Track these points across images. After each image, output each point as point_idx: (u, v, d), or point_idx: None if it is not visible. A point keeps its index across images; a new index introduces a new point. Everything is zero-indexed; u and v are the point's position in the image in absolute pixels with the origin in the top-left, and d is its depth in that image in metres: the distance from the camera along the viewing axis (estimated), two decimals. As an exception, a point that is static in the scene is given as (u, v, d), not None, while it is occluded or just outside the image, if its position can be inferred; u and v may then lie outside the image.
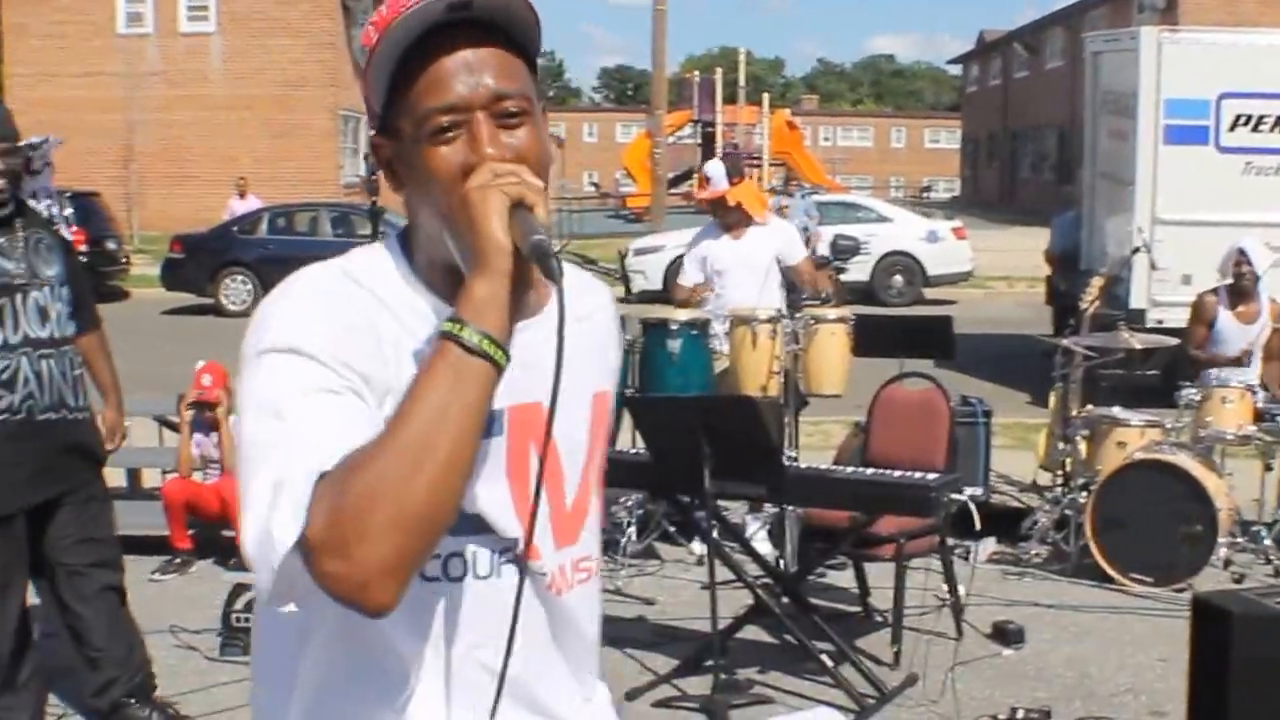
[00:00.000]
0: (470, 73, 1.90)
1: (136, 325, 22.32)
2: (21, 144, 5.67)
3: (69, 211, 26.66)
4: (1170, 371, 13.71)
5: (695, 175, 52.33)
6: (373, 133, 2.04)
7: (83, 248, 26.41)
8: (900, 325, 9.95)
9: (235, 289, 26.06)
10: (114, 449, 6.12)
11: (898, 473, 6.65)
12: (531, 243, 1.79)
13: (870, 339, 8.91)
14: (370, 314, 1.93)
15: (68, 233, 5.97)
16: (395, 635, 1.98)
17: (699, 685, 6.57)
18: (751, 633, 7.18)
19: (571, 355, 1.84)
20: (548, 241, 1.80)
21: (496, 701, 1.96)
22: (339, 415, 1.81)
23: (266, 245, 26.28)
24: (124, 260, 29.11)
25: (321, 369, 1.84)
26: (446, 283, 1.97)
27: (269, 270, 25.57)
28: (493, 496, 2.00)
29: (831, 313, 8.81)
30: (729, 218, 9.39)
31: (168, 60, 43.61)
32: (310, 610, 1.89)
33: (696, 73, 54.25)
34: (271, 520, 1.74)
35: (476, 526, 1.99)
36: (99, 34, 43.51)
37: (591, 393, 2.17)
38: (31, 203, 5.85)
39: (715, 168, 9.64)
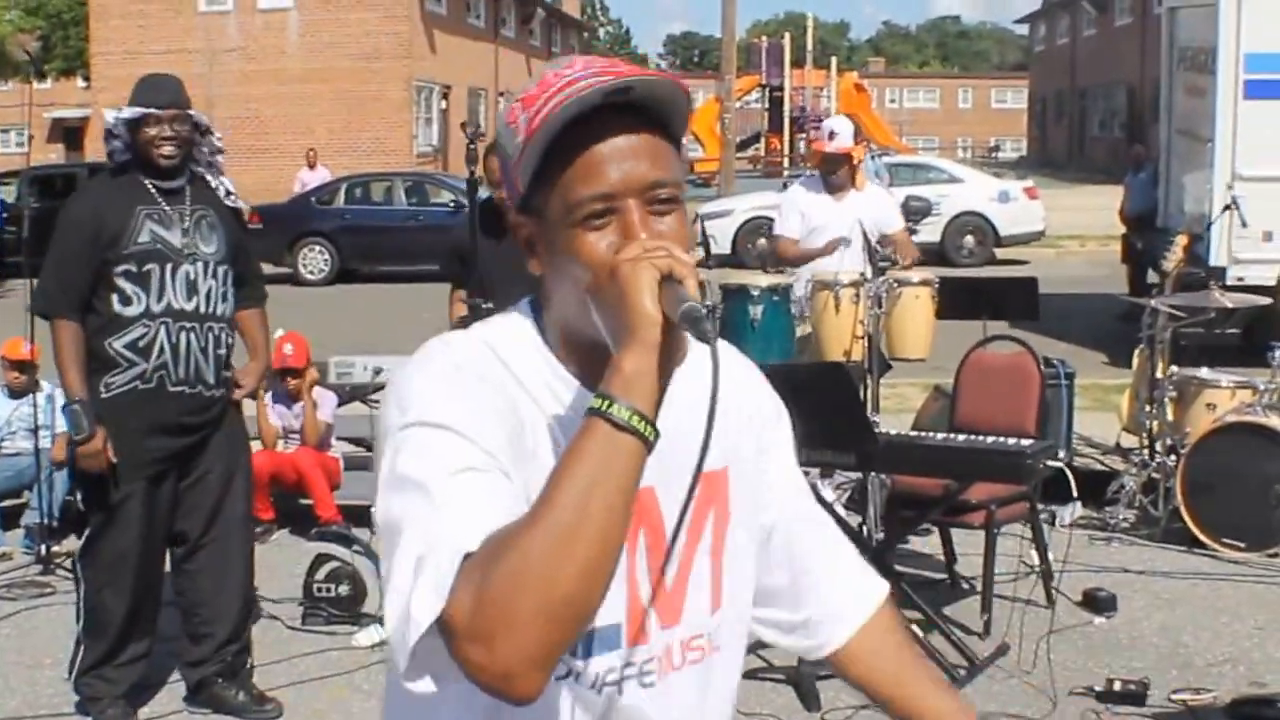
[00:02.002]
0: (625, 160, 1.83)
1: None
2: (193, 114, 5.64)
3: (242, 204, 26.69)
4: (1251, 330, 13.41)
5: (762, 138, 52.26)
6: (513, 211, 1.94)
7: (256, 225, 26.71)
8: (984, 287, 9.71)
9: (313, 258, 26.04)
10: (244, 391, 6.02)
11: (990, 439, 6.42)
12: (683, 310, 1.69)
13: (954, 301, 8.66)
14: (510, 393, 1.87)
15: (236, 202, 5.95)
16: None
17: (786, 656, 6.37)
18: (837, 601, 6.96)
19: (685, 435, 1.79)
20: (700, 308, 1.69)
21: None
22: (486, 495, 1.71)
23: (343, 215, 26.36)
24: (204, 233, 29.15)
25: (470, 446, 1.74)
26: (582, 361, 1.92)
27: (346, 239, 25.64)
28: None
29: (915, 275, 8.55)
30: (840, 177, 9.07)
31: (246, 36, 43.88)
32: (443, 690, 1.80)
33: (764, 37, 53.93)
34: (412, 599, 1.64)
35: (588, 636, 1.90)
36: (180, 13, 43.90)
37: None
38: (209, 178, 5.79)
39: (843, 124, 9.28)
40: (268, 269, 26.20)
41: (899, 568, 7.33)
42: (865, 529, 7.61)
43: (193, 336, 5.54)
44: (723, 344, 2.01)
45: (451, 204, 24.81)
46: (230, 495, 5.87)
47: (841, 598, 2.26)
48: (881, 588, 2.33)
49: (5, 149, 57.92)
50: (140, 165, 5.57)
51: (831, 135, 9.06)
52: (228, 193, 5.89)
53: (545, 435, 1.87)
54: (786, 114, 50.46)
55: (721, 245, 24.80)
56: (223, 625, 5.93)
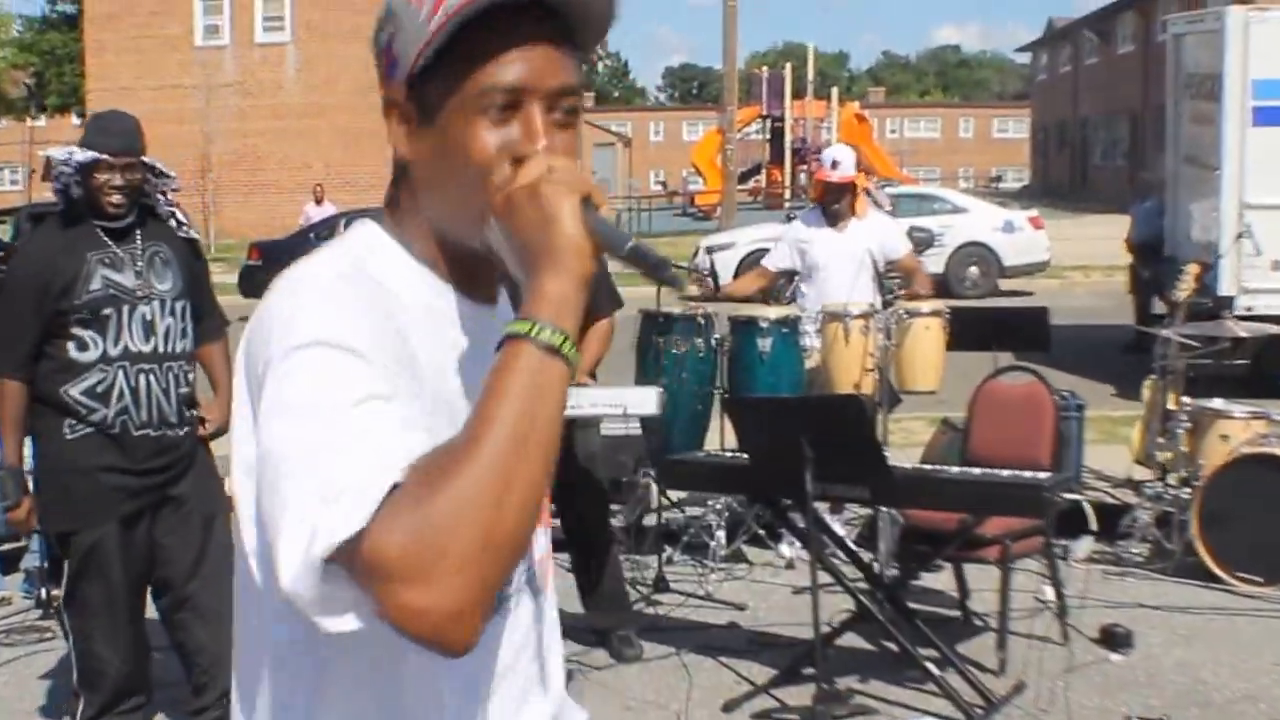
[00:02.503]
0: (539, 60, 1.77)
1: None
2: (147, 160, 5.55)
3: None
4: (1259, 359, 13.38)
5: (763, 169, 52.32)
6: (391, 84, 1.84)
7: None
8: (995, 318, 9.68)
9: (313, 294, 25.85)
10: (211, 428, 5.94)
11: (1006, 472, 6.37)
12: (631, 245, 1.70)
13: (965, 332, 8.62)
14: (389, 308, 1.76)
15: (190, 234, 5.87)
16: (433, 677, 1.82)
17: (798, 695, 6.32)
18: (848, 639, 6.92)
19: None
20: (647, 245, 1.71)
21: None
22: (398, 423, 1.59)
23: (343, 250, 26.20)
24: (203, 268, 29.13)
25: (369, 369, 1.62)
26: (452, 265, 1.88)
27: (345, 275, 25.54)
28: None
29: (925, 306, 8.51)
30: (841, 207, 9.04)
31: (243, 71, 44.00)
32: (332, 654, 1.76)
33: (764, 68, 54.03)
34: (320, 521, 1.50)
35: None
36: (176, 48, 44.01)
37: None
38: (161, 209, 5.72)
39: (845, 152, 9.28)
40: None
41: (912, 604, 7.28)
42: (876, 565, 7.57)
43: (152, 378, 5.43)
44: None
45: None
46: (213, 538, 5.78)
47: None
48: None
49: (0, 187, 58.06)
50: (88, 207, 5.46)
51: (834, 164, 9.04)
52: (179, 224, 5.81)
53: (430, 343, 1.81)
54: (788, 145, 50.53)
55: (725, 279, 24.76)
56: (224, 671, 5.86)
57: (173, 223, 5.76)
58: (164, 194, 5.73)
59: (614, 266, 2.10)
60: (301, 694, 1.82)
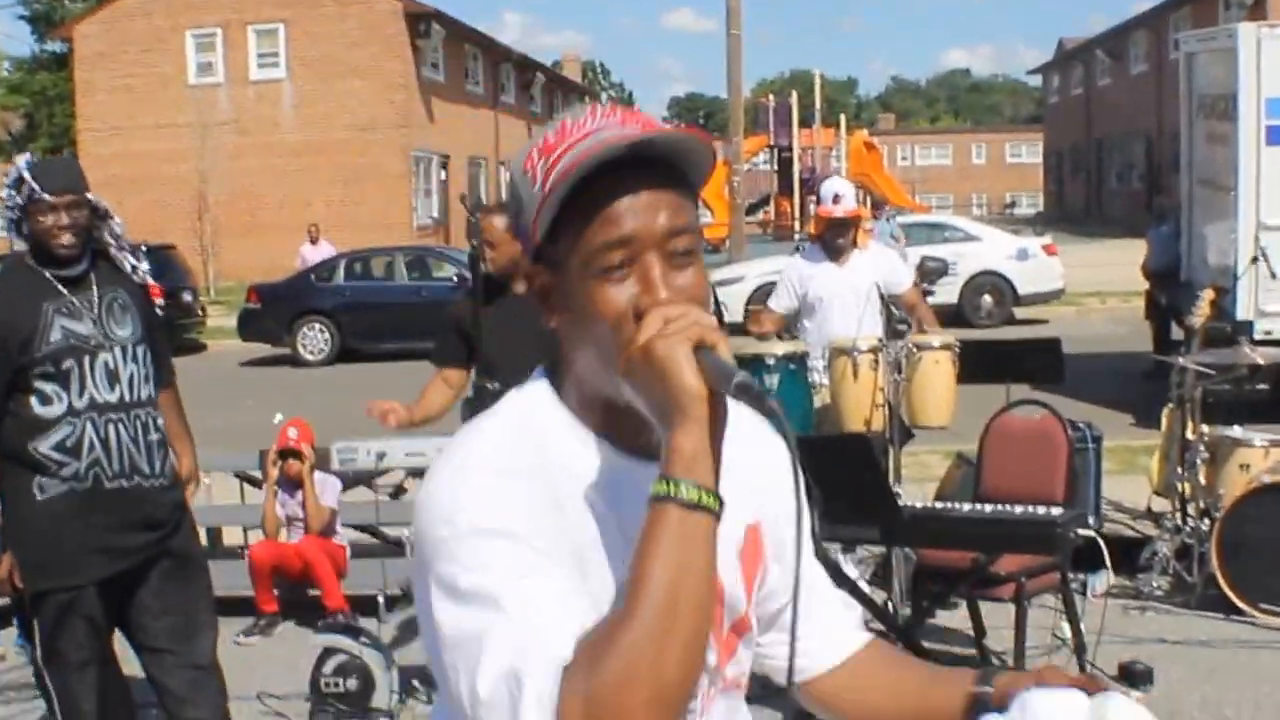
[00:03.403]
0: (644, 211, 1.86)
1: (214, 378, 22.37)
2: (91, 198, 5.52)
3: (145, 266, 26.77)
4: (1280, 385, 13.33)
5: (771, 200, 52.39)
6: (526, 259, 1.98)
7: (159, 301, 26.61)
8: (1007, 349, 9.63)
9: (313, 338, 25.99)
10: (193, 490, 5.96)
11: (1019, 509, 6.36)
12: (737, 382, 1.75)
13: (976, 365, 8.59)
14: (548, 475, 1.90)
15: (144, 278, 5.83)
16: None
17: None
18: (864, 681, 6.89)
19: (725, 489, 1.84)
20: (750, 378, 1.77)
21: None
22: (557, 597, 1.76)
23: (343, 292, 26.31)
24: (200, 312, 29.17)
25: (525, 549, 1.80)
26: (603, 418, 1.96)
27: (346, 317, 25.56)
28: None
29: (935, 339, 8.50)
30: (845, 241, 9.03)
31: (239, 108, 44.06)
32: None
33: (771, 97, 54.12)
34: (520, 715, 1.69)
35: None
36: (169, 85, 44.08)
37: (743, 524, 2.09)
38: (114, 253, 5.69)
39: (846, 186, 9.26)
40: (265, 350, 26.36)
41: (926, 644, 7.26)
42: (890, 604, 7.56)
43: (121, 428, 5.40)
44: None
45: (455, 278, 24.72)
46: (196, 597, 5.78)
47: (819, 635, 2.30)
48: (860, 632, 2.36)
49: (-7, 232, 58.11)
50: (37, 255, 5.40)
51: (836, 199, 9.01)
52: (133, 268, 5.78)
53: (583, 504, 1.90)
54: (796, 175, 50.59)
55: (734, 313, 24.76)
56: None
57: (127, 266, 5.73)
58: (117, 243, 5.71)
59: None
60: None
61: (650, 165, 1.87)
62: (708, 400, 1.76)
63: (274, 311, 25.92)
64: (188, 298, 28.23)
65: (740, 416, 2.12)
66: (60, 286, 5.38)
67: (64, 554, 5.37)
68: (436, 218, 46.19)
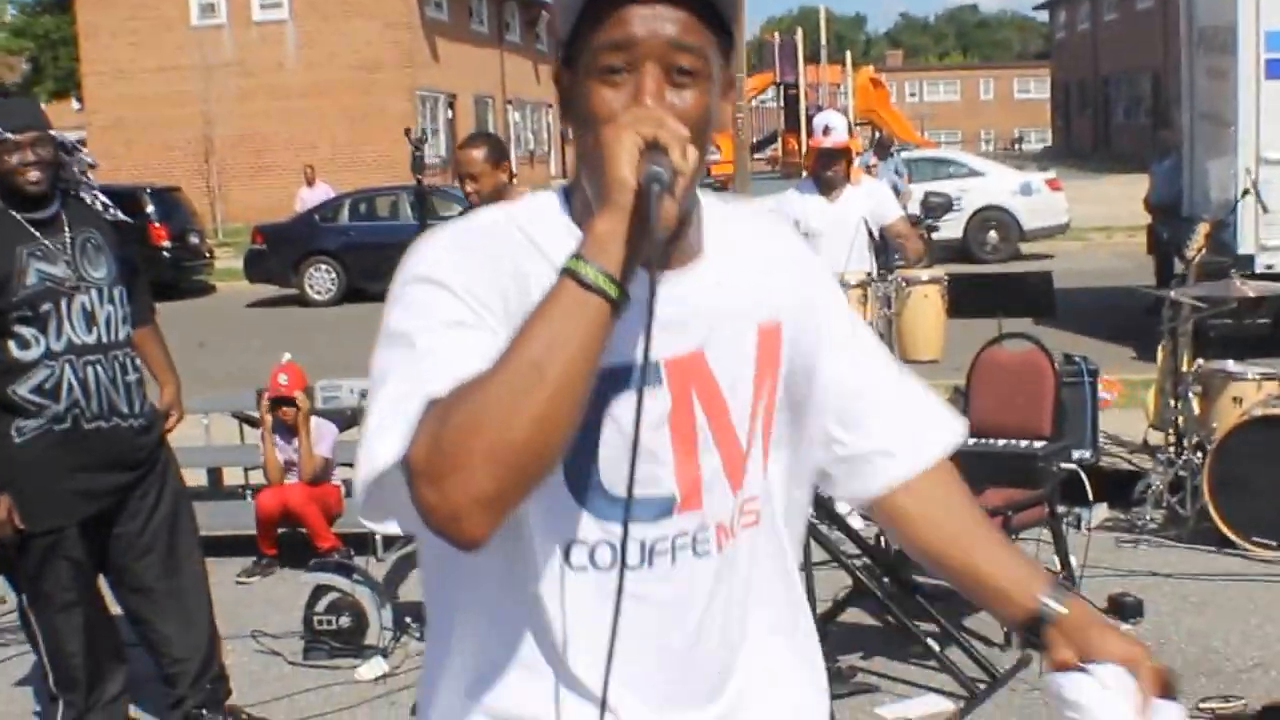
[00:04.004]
0: (653, 19, 1.89)
1: (223, 320, 22.40)
2: (54, 134, 5.47)
3: (150, 209, 26.91)
4: (1280, 319, 13.28)
5: (779, 137, 52.22)
6: (555, 64, 2.03)
7: (166, 243, 26.64)
8: (996, 283, 9.61)
9: (319, 278, 25.96)
10: (170, 429, 5.94)
11: (1001, 442, 6.35)
12: (645, 173, 1.76)
13: (965, 299, 8.58)
14: (520, 256, 1.95)
15: (116, 215, 5.80)
16: (548, 621, 1.98)
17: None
18: (853, 616, 6.91)
19: (731, 296, 2.01)
20: (663, 177, 1.76)
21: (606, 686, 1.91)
22: (469, 347, 1.81)
23: (348, 232, 26.24)
24: (208, 254, 29.14)
25: (458, 303, 1.87)
26: None
27: (352, 257, 25.50)
28: (655, 448, 1.97)
29: (924, 274, 8.47)
30: (835, 174, 8.97)
31: (242, 50, 43.88)
32: (462, 582, 2.01)
33: (776, 34, 53.84)
34: (375, 437, 1.78)
35: (630, 506, 1.86)
36: (171, 28, 43.88)
37: (755, 328, 2.08)
38: (84, 193, 5.67)
39: (837, 118, 9.19)
40: (273, 291, 26.36)
41: (918, 578, 7.27)
42: (883, 539, 7.55)
43: (99, 369, 5.39)
44: (723, 201, 2.16)
45: (460, 215, 24.65)
46: (179, 534, 5.77)
47: (895, 436, 2.22)
48: (949, 439, 2.29)
49: None
50: (6, 198, 5.35)
51: (826, 130, 8.97)
52: (105, 206, 5.75)
53: (548, 285, 1.90)
54: (803, 112, 50.31)
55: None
56: (194, 658, 5.86)
57: (98, 205, 5.70)
58: (85, 180, 5.68)
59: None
60: (447, 601, 2.09)
61: None
62: (637, 195, 1.77)
63: (280, 252, 25.86)
64: (194, 240, 28.22)
65: (750, 217, 2.21)
66: (33, 229, 5.35)
67: (44, 496, 5.36)
68: (444, 157, 46.04)
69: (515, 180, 7.75)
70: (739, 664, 2.11)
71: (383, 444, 1.76)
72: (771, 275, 2.12)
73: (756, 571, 2.11)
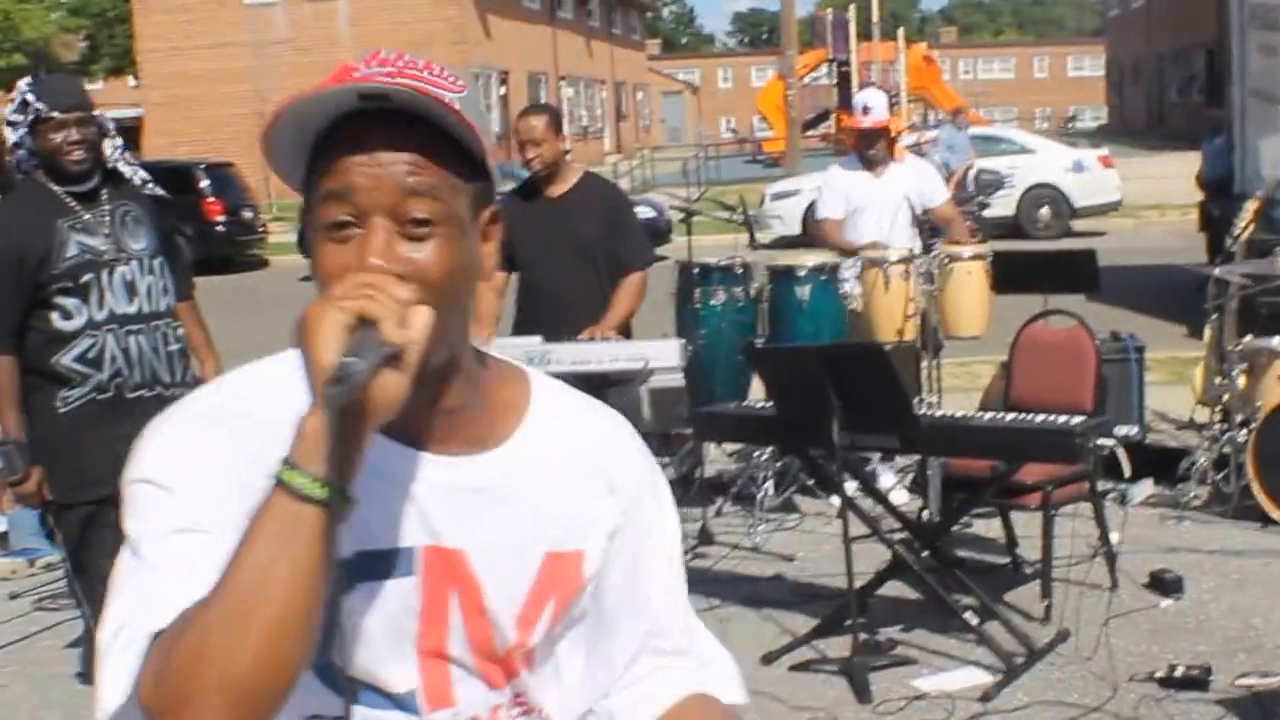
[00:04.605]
0: (378, 167, 1.67)
1: (276, 294, 22.47)
2: (95, 114, 5.55)
3: (205, 184, 27.09)
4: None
5: (832, 115, 52.05)
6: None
7: (220, 218, 26.83)
8: (1040, 260, 9.54)
9: (373, 252, 26.05)
10: None
11: (1039, 417, 6.32)
12: (335, 365, 1.52)
13: (1009, 275, 8.55)
14: (261, 438, 1.70)
15: (154, 190, 5.87)
16: None
17: (838, 646, 6.33)
18: (894, 589, 6.91)
19: (522, 501, 1.81)
20: (353, 368, 1.51)
21: None
22: (196, 557, 1.63)
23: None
24: (261, 229, 29.37)
25: (179, 504, 1.69)
26: None
27: (402, 232, 25.67)
28: (396, 642, 1.80)
29: (967, 250, 8.44)
30: (877, 152, 8.98)
31: (296, 27, 44.06)
32: None
33: (829, 11, 53.61)
34: (104, 673, 1.63)
35: (373, 698, 1.79)
36: (225, 5, 44.14)
37: (543, 550, 1.87)
38: (123, 168, 5.73)
39: (877, 97, 9.19)
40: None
41: (959, 553, 7.27)
42: (925, 513, 7.56)
43: (142, 339, 5.49)
44: (584, 399, 2.01)
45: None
46: None
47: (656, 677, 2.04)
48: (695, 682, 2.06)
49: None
50: (49, 173, 5.45)
51: (865, 110, 8.97)
52: (144, 181, 5.82)
53: None
54: (854, 89, 50.06)
55: (790, 225, 24.78)
56: None
57: (137, 180, 5.77)
58: (123, 158, 5.75)
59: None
60: None
61: (405, 122, 1.69)
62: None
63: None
64: (248, 215, 28.44)
65: (588, 422, 1.99)
66: (73, 203, 5.44)
67: (88, 466, 5.42)
68: (497, 133, 46.16)
69: (570, 155, 7.79)
70: None
71: (110, 683, 1.61)
72: (585, 493, 1.92)
73: None
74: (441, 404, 1.77)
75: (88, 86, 5.58)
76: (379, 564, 1.76)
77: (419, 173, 1.68)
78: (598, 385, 6.99)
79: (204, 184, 26.76)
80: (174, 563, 1.64)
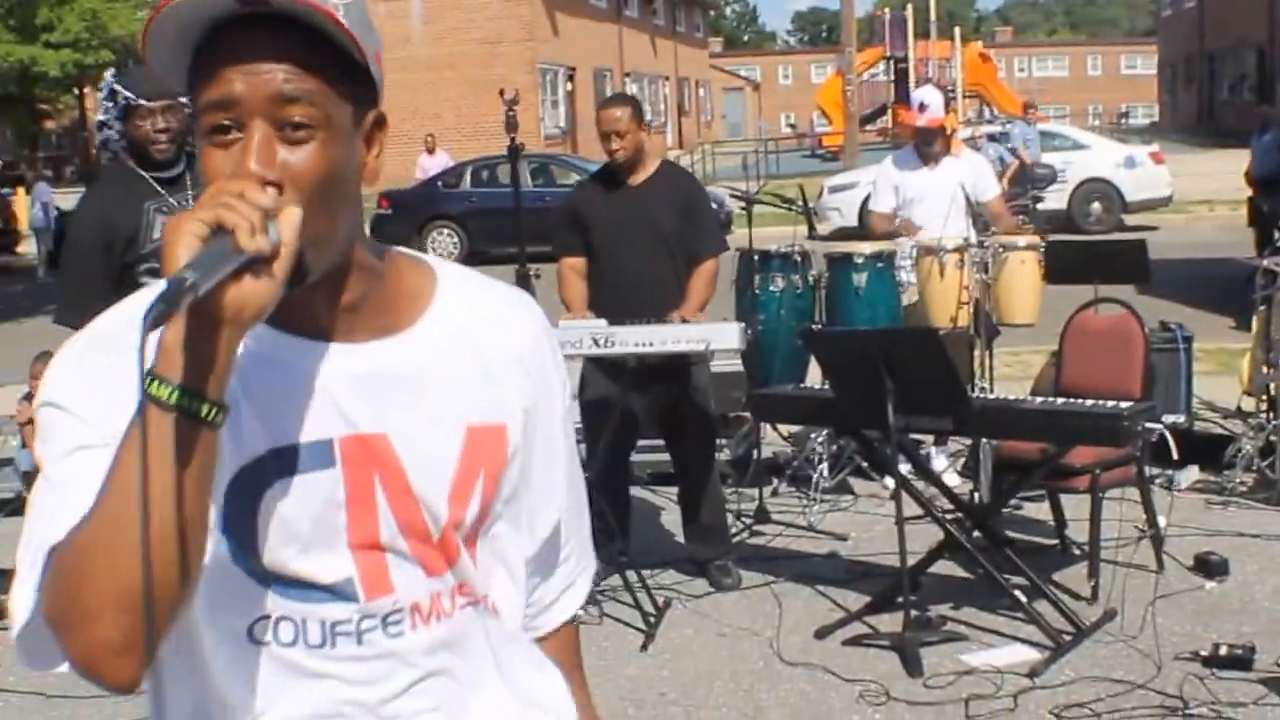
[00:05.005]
0: (255, 72, 1.63)
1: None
2: (184, 101, 5.62)
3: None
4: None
5: (889, 110, 51.90)
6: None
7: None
8: (1092, 250, 9.48)
9: (442, 241, 26.51)
10: None
11: (1089, 402, 6.30)
12: (174, 274, 1.48)
13: (1061, 266, 8.50)
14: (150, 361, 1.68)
15: None
16: (247, 702, 1.79)
17: (890, 622, 6.34)
18: (945, 568, 6.92)
19: (436, 380, 1.79)
20: (181, 284, 1.46)
21: None
22: (91, 475, 1.60)
23: (470, 198, 26.67)
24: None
25: (76, 423, 1.68)
26: None
27: (474, 222, 25.86)
28: (326, 535, 1.76)
29: (1021, 240, 8.41)
30: (934, 147, 9.00)
31: (371, 24, 44.22)
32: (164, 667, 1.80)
33: (887, 10, 53.43)
34: (16, 593, 1.64)
35: (307, 589, 1.77)
36: (303, 3, 44.28)
37: (464, 424, 1.85)
38: None
39: (933, 95, 9.17)
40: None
41: (1009, 533, 7.25)
42: (977, 495, 7.55)
43: None
44: (488, 281, 1.98)
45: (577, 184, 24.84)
46: None
47: (537, 598, 2.10)
48: (565, 609, 2.15)
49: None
50: (136, 158, 5.53)
51: (922, 108, 8.96)
52: None
53: None
54: (912, 85, 49.91)
55: (848, 217, 24.70)
56: None
57: None
58: None
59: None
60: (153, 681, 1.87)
61: (279, 27, 1.65)
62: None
63: (405, 217, 26.28)
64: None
65: (492, 301, 1.96)
66: (159, 187, 5.51)
67: None
68: (563, 127, 46.26)
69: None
70: None
71: (20, 598, 1.62)
72: (504, 372, 1.91)
73: (482, 650, 1.92)
74: (342, 299, 1.76)
75: (108, 75, 5.61)
76: (295, 460, 1.73)
77: (295, 79, 1.65)
78: (665, 368, 7.02)
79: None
80: (72, 480, 1.63)
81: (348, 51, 1.69)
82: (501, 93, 7.68)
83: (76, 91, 52.90)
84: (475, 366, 1.87)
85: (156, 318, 1.46)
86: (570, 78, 47.57)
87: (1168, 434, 6.55)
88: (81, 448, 1.66)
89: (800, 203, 9.04)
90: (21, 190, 32.96)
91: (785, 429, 9.78)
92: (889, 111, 53.00)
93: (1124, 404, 6.12)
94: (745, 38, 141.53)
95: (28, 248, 31.99)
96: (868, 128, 49.91)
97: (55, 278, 5.48)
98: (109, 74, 5.62)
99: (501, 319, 1.95)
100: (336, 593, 1.78)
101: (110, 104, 5.48)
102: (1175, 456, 6.76)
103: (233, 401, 1.61)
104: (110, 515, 1.53)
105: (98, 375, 1.71)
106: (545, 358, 2.00)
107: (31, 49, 46.70)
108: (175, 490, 1.54)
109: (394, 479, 1.77)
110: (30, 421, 8.96)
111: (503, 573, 1.95)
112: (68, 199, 33.82)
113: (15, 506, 9.06)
